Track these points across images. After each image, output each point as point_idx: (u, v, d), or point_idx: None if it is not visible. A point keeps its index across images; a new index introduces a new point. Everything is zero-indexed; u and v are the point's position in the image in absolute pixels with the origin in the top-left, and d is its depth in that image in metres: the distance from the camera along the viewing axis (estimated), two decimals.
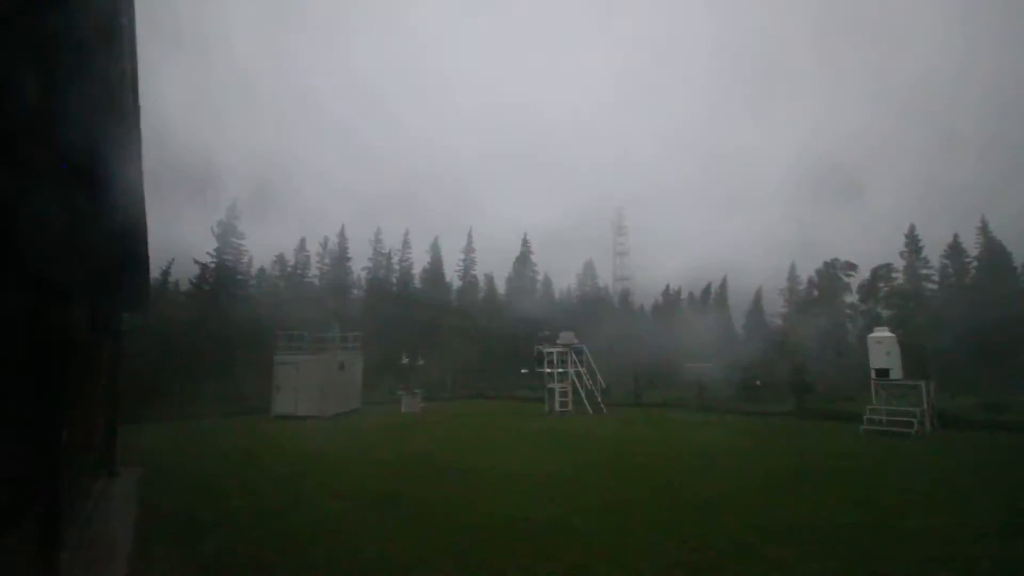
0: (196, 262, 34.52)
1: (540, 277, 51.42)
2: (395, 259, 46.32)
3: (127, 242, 4.88)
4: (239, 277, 37.46)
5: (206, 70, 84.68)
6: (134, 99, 2.72)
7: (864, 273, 38.76)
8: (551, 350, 23.03)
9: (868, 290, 37.72)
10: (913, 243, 41.00)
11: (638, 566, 5.24)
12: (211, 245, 34.98)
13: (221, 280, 35.10)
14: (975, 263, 41.71)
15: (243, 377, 27.70)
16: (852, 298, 39.41)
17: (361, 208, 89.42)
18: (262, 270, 43.00)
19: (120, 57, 2.20)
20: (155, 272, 33.31)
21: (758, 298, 50.68)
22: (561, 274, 54.37)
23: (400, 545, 5.88)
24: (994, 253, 40.78)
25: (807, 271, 40.65)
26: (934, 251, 42.03)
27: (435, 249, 47.31)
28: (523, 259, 50.24)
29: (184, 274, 35.56)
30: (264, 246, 43.33)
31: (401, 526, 6.64)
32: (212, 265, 35.13)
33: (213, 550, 5.82)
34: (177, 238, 34.68)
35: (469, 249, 49.03)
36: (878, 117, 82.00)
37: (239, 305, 33.74)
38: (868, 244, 51.30)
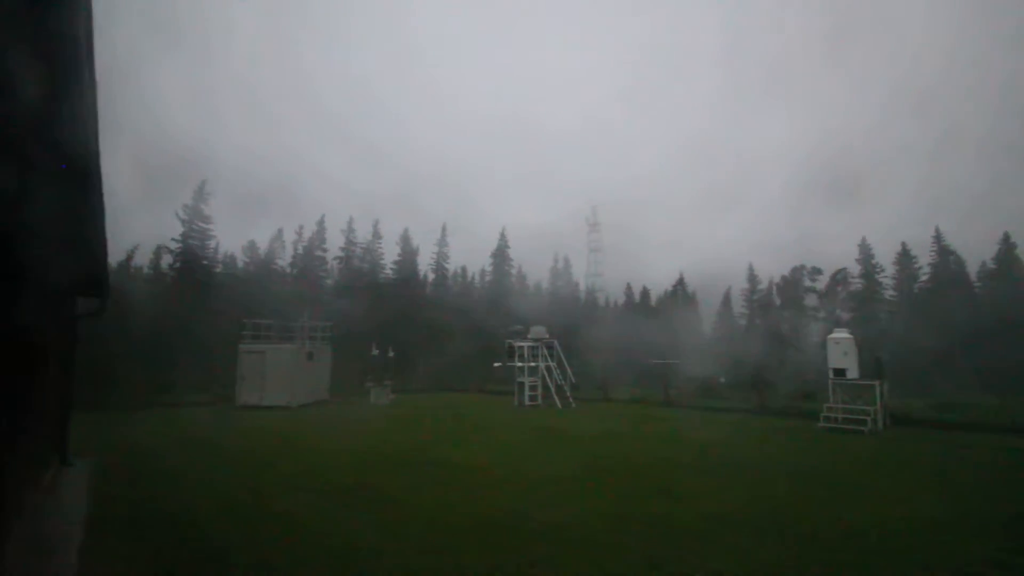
0: (160, 246, 33.47)
1: (515, 272, 51.40)
2: (368, 249, 45.63)
3: (79, 221, 4.64)
4: (204, 263, 36.29)
5: (207, 68, 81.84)
6: (90, 64, 2.59)
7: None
8: (522, 344, 23.10)
9: (828, 294, 39.60)
10: (866, 251, 43.21)
11: (598, 553, 5.32)
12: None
13: (186, 265, 34.01)
14: (926, 270, 43.57)
15: (208, 365, 26.92)
16: (815, 302, 41.45)
17: (362, 204, 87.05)
18: (230, 256, 41.68)
19: (73, 15, 2.08)
20: (142, 262, 32.52)
21: (727, 299, 51.74)
22: (543, 272, 54.16)
23: (363, 537, 5.83)
24: (948, 260, 42.67)
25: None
26: (922, 258, 43.48)
27: (405, 241, 46.77)
28: (499, 253, 50.03)
29: (161, 261, 34.76)
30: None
31: (364, 518, 6.57)
32: (177, 249, 34.05)
33: (169, 542, 5.65)
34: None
35: (443, 243, 48.62)
36: (877, 121, 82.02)
37: (204, 291, 32.74)
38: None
